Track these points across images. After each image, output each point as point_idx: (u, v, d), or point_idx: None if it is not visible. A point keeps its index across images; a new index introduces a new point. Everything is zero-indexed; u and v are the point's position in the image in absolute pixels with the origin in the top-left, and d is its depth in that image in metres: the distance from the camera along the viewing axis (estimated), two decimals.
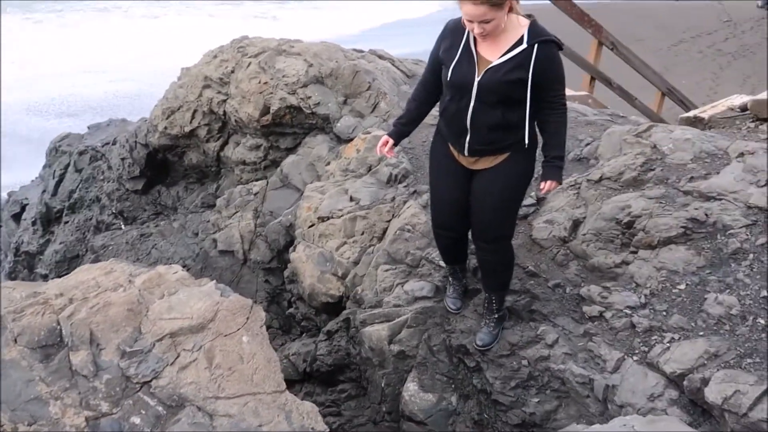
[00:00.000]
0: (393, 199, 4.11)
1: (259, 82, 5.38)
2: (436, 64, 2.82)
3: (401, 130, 3.03)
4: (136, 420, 2.31)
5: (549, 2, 6.45)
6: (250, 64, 5.51)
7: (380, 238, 3.95)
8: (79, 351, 2.41)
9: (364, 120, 5.15)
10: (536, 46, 2.58)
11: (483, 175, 2.87)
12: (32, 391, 2.26)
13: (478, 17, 2.49)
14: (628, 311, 3.11)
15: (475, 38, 2.64)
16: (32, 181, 8.21)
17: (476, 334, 3.22)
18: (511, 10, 2.56)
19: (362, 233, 4.00)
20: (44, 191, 7.21)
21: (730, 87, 12.07)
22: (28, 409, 2.20)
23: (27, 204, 7.63)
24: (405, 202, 4.04)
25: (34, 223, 7.12)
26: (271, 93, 5.31)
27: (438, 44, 2.81)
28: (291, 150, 5.45)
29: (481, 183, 2.88)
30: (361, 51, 6.19)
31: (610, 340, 3.05)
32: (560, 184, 2.90)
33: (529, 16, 2.65)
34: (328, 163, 4.87)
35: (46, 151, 7.84)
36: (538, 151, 2.92)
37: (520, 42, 2.60)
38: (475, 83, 2.64)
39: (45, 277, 6.36)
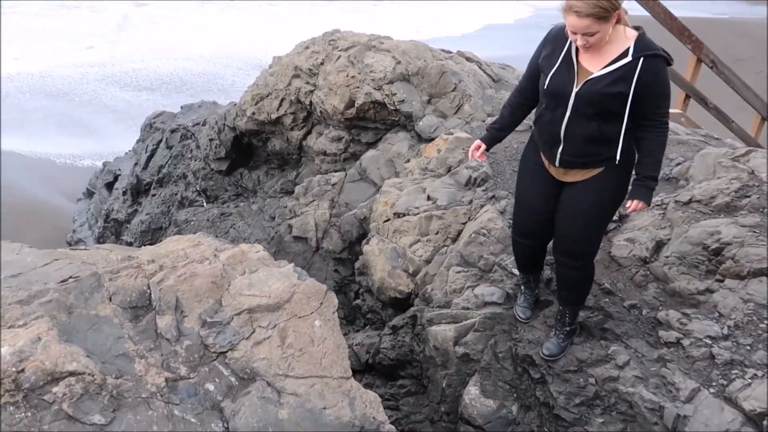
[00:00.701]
0: (470, 201, 4.10)
1: (347, 76, 5.49)
2: (535, 71, 2.76)
3: (494, 135, 3.00)
4: (210, 387, 2.44)
5: (647, 14, 6.22)
6: (339, 57, 5.63)
7: (454, 240, 3.96)
8: (165, 315, 2.56)
9: (446, 120, 5.16)
10: (642, 59, 2.47)
11: (573, 188, 2.80)
12: (121, 347, 2.42)
13: (582, 29, 2.42)
14: (708, 341, 2.97)
15: (577, 47, 2.57)
16: (126, 153, 8.75)
17: (543, 343, 3.17)
18: (618, 21, 2.47)
19: (437, 233, 4.01)
20: (136, 164, 7.67)
21: None
22: (116, 364, 2.36)
23: (119, 174, 8.14)
24: (482, 206, 4.02)
25: (124, 193, 7.59)
26: (358, 87, 5.41)
27: (538, 51, 2.75)
28: (371, 144, 5.54)
29: (570, 196, 2.81)
30: (449, 52, 6.19)
31: (686, 368, 2.92)
32: (648, 205, 2.77)
33: (637, 28, 2.55)
34: (408, 161, 4.91)
35: (141, 126, 8.33)
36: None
37: (624, 54, 2.50)
38: (573, 93, 2.57)
39: (130, 245, 6.76)
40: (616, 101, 2.53)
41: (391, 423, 3.60)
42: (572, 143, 2.67)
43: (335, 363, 2.61)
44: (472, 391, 3.25)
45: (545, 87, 2.65)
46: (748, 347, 2.87)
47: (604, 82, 2.51)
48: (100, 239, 7.40)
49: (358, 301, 4.52)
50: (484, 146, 2.99)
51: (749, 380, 2.72)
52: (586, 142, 2.64)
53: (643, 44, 2.50)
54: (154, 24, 18.51)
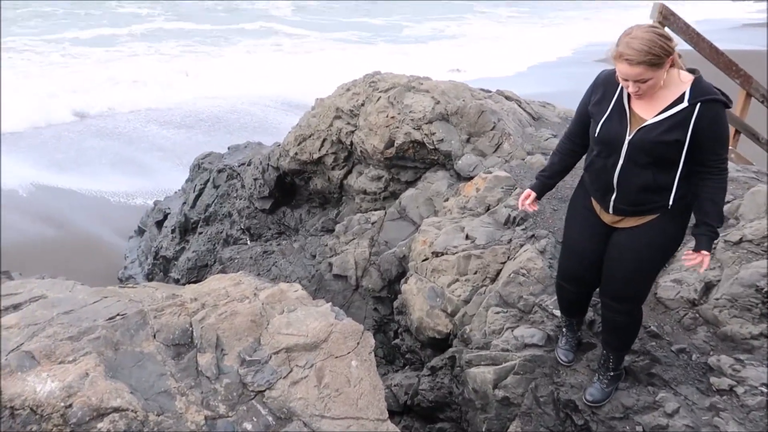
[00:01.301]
0: (509, 241, 4.07)
1: (387, 116, 5.60)
2: (585, 116, 2.70)
3: (545, 183, 2.96)
4: (248, 426, 2.46)
5: (691, 49, 6.14)
6: (379, 98, 5.76)
7: (493, 280, 3.92)
8: (206, 353, 2.62)
9: (485, 159, 5.17)
10: (699, 105, 2.38)
11: (625, 232, 2.71)
12: (163, 384, 2.48)
13: (634, 77, 2.35)
14: (764, 389, 2.82)
15: (629, 93, 2.49)
16: (175, 193, 9.07)
17: (587, 388, 3.07)
18: (673, 65, 2.38)
19: (475, 272, 3.98)
20: (184, 203, 7.94)
21: None
22: (158, 401, 2.42)
23: (169, 213, 8.43)
24: (521, 246, 3.98)
25: (173, 231, 7.84)
26: (397, 127, 5.50)
27: (588, 96, 2.69)
28: (411, 183, 5.59)
29: (622, 240, 2.72)
30: (489, 91, 6.25)
31: (740, 418, 2.77)
32: (709, 254, 2.62)
33: (693, 71, 2.46)
34: (447, 200, 4.93)
35: (190, 166, 8.65)
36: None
37: (680, 100, 2.41)
38: (626, 142, 2.50)
39: (177, 281, 6.96)
40: (672, 149, 2.44)
41: None
42: (626, 191, 2.59)
43: (371, 404, 2.60)
44: None
45: (596, 135, 2.58)
46: None
47: (658, 130, 2.43)
48: (149, 276, 7.63)
49: (397, 341, 4.50)
50: (534, 195, 2.94)
51: None
52: (640, 190, 2.56)
53: (699, 89, 2.40)
54: (207, 69, 19.44)
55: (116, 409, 2.27)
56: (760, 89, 6.48)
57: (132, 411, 2.29)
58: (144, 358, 2.56)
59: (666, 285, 3.51)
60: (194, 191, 7.77)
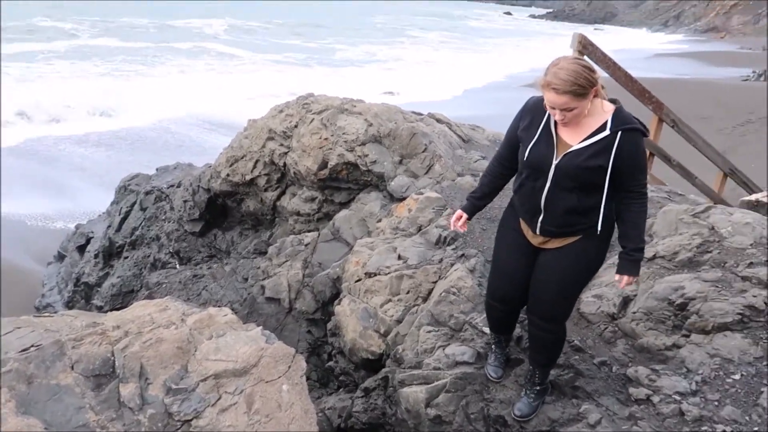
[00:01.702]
0: (441, 260, 4.15)
1: (320, 138, 5.62)
2: (514, 140, 2.79)
3: (475, 204, 3.03)
4: None
5: (608, 76, 6.52)
6: (313, 120, 5.77)
7: (425, 299, 3.97)
8: (129, 383, 2.51)
9: (417, 180, 5.27)
10: (620, 133, 2.52)
11: (551, 253, 2.81)
12: (81, 418, 2.36)
13: (561, 105, 2.46)
14: (677, 397, 2.98)
15: (556, 120, 2.60)
16: (99, 215, 8.69)
17: (515, 404, 3.15)
18: (596, 95, 2.51)
19: (408, 292, 4.03)
20: (109, 226, 7.62)
21: None
22: None
23: (92, 237, 8.05)
24: (452, 265, 4.06)
25: (96, 256, 7.49)
26: (330, 149, 5.52)
27: (517, 121, 2.78)
28: (344, 204, 5.61)
29: (548, 261, 2.82)
30: (420, 114, 6.39)
31: (656, 426, 2.92)
32: (637, 276, 2.78)
33: (614, 101, 2.60)
34: (380, 220, 4.98)
35: (116, 188, 8.32)
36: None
37: (603, 128, 2.54)
38: (553, 166, 2.60)
39: (100, 309, 6.63)
40: (596, 174, 2.56)
41: None
42: (552, 214, 2.69)
43: (303, 428, 2.57)
44: None
45: (525, 159, 2.68)
46: (716, 403, 2.89)
47: (583, 156, 2.55)
48: (70, 304, 7.24)
49: (331, 363, 4.46)
50: (465, 216, 3.01)
51: None
52: (566, 213, 2.66)
53: (620, 118, 2.55)
54: (126, 83, 18.89)
55: None
56: (670, 115, 6.94)
57: None
58: (60, 391, 2.43)
59: (588, 300, 3.67)
60: (120, 214, 7.48)
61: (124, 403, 2.46)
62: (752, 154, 13.63)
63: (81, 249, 8.07)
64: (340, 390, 4.33)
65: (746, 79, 26.02)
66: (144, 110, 16.03)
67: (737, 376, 2.95)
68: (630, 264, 2.72)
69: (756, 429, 2.69)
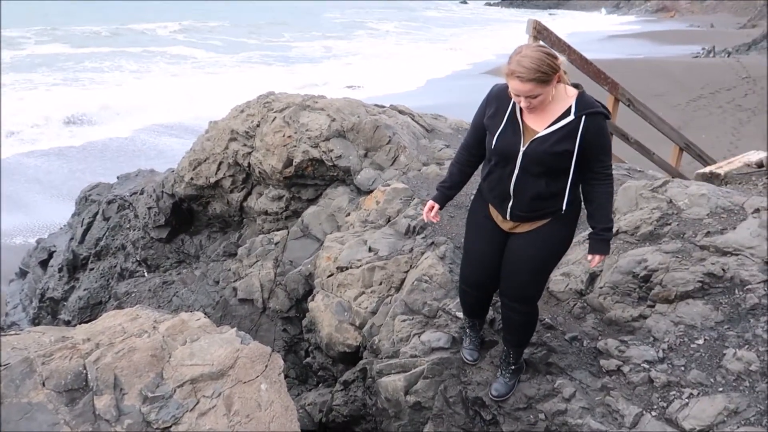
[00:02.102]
0: (411, 250, 4.18)
1: (283, 136, 5.58)
2: (480, 129, 2.82)
3: (445, 194, 3.06)
4: None
5: (565, 60, 6.63)
6: (275, 118, 5.73)
7: (398, 289, 4.00)
8: (103, 395, 2.47)
9: (383, 173, 5.29)
10: (584, 117, 2.57)
11: (521, 237, 2.86)
12: None
13: (525, 93, 2.49)
14: (646, 366, 3.09)
15: (521, 107, 2.63)
16: (61, 228, 8.47)
17: (492, 384, 3.21)
18: (559, 80, 2.55)
19: (380, 283, 4.05)
20: (72, 238, 7.43)
21: (750, 142, 12.11)
22: None
23: (54, 251, 7.85)
24: (423, 253, 4.10)
25: (60, 270, 7.31)
26: (295, 146, 5.50)
27: (482, 110, 2.81)
28: (312, 201, 5.59)
29: (518, 244, 2.87)
30: (382, 106, 6.40)
31: (628, 394, 3.02)
32: (607, 255, 2.87)
33: (577, 86, 2.65)
34: (348, 214, 4.98)
35: (76, 199, 8.13)
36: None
37: (567, 113, 2.58)
38: (520, 153, 2.64)
39: (68, 323, 6.48)
40: (563, 159, 2.62)
41: None
42: (521, 199, 2.74)
43: (284, 426, 2.57)
44: None
45: (492, 147, 2.71)
46: (683, 368, 3.00)
47: (549, 141, 2.59)
48: (35, 320, 7.06)
49: (308, 359, 4.47)
50: (437, 206, 3.03)
51: (686, 400, 2.83)
52: (534, 197, 2.71)
53: (583, 102, 2.60)
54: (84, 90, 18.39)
55: None
56: (626, 94, 7.11)
57: None
58: (33, 409, 2.38)
59: (556, 279, 3.75)
60: (82, 225, 7.31)
61: (100, 416, 2.43)
62: (706, 127, 14.07)
63: (44, 264, 7.86)
64: (320, 385, 4.34)
65: (696, 56, 26.81)
66: (98, 118, 15.64)
67: (701, 341, 3.07)
68: (600, 243, 2.79)
69: (721, 390, 2.80)
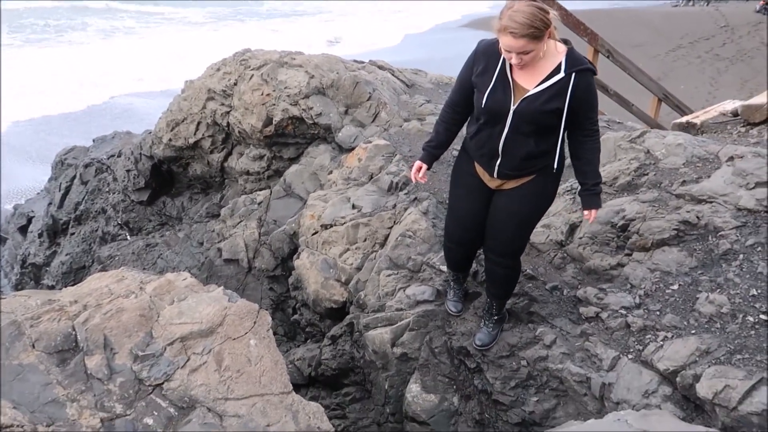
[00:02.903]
0: (394, 206, 4.21)
1: (262, 94, 5.50)
2: (467, 86, 2.76)
3: (432, 154, 3.02)
4: (149, 421, 2.40)
5: (555, 14, 6.55)
6: (252, 76, 5.63)
7: (382, 244, 4.05)
8: (94, 355, 2.50)
9: (365, 129, 5.27)
10: (574, 75, 2.54)
11: (507, 194, 2.87)
12: (50, 393, 2.35)
13: (518, 49, 2.44)
14: (623, 311, 3.20)
15: (511, 64, 2.57)
16: (38, 193, 8.34)
17: (475, 334, 3.31)
18: (549, 36, 2.50)
19: (364, 240, 4.09)
20: (50, 204, 7.34)
21: (728, 91, 12.22)
22: (46, 411, 2.29)
23: (33, 216, 7.76)
24: (406, 209, 4.14)
25: (40, 236, 7.24)
26: (274, 104, 5.43)
27: (469, 67, 2.74)
28: (294, 160, 5.56)
29: (504, 201, 2.89)
30: (362, 62, 6.32)
31: (606, 339, 3.13)
32: (600, 207, 2.90)
33: (566, 42, 2.61)
34: (331, 172, 4.98)
35: (52, 164, 7.98)
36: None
37: (557, 70, 2.55)
38: (511, 111, 2.60)
39: (51, 288, 6.47)
40: (553, 117, 2.60)
41: (340, 431, 3.65)
42: (510, 158, 2.73)
43: (274, 379, 2.63)
44: (413, 389, 3.34)
45: (482, 105, 2.66)
46: (658, 312, 3.11)
47: (540, 99, 2.56)
48: (18, 286, 7.03)
49: (296, 317, 4.54)
50: (425, 166, 3.00)
51: (661, 342, 2.95)
52: (524, 157, 2.71)
53: (573, 59, 2.56)
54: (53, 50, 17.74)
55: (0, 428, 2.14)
56: (605, 45, 7.08)
57: (18, 426, 2.16)
58: (24, 370, 2.40)
59: (537, 231, 3.82)
60: (60, 190, 7.20)
61: (91, 375, 2.46)
62: (684, 77, 14.13)
63: (23, 230, 7.77)
64: (308, 341, 4.42)
65: (676, 5, 26.63)
66: (64, 80, 15.13)
67: (675, 287, 3.17)
68: (593, 198, 2.82)
69: (693, 332, 2.92)
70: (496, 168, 2.79)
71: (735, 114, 5.41)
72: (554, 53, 2.57)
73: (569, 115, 2.61)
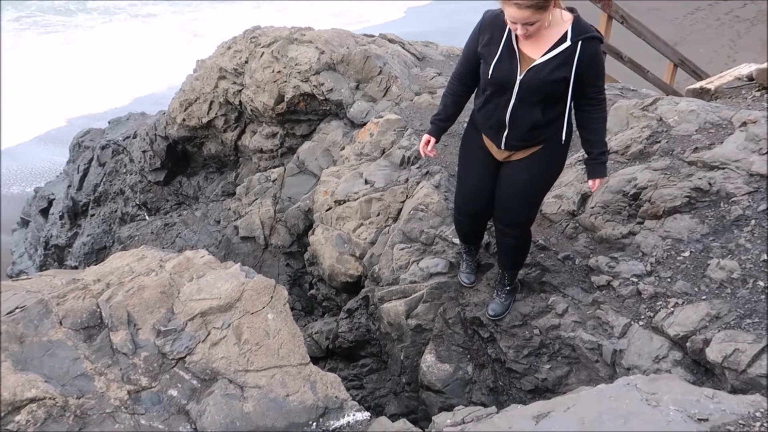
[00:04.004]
0: (406, 180, 4.25)
1: (273, 71, 5.52)
2: (473, 58, 2.75)
3: (441, 127, 3.03)
4: (174, 393, 2.51)
5: None
6: (263, 53, 5.65)
7: (395, 219, 4.10)
8: (119, 331, 2.61)
9: (376, 104, 5.28)
10: (580, 43, 2.52)
11: (515, 165, 2.89)
12: (78, 368, 2.46)
13: (523, 20, 2.43)
14: (634, 279, 3.23)
15: (517, 34, 2.56)
16: (57, 176, 8.50)
17: (488, 305, 3.36)
18: (555, 5, 2.48)
19: (378, 214, 4.15)
20: (69, 186, 7.48)
21: (748, 54, 11.90)
22: (76, 384, 2.41)
23: (54, 199, 7.92)
24: (418, 183, 4.17)
25: (61, 217, 7.40)
26: (285, 81, 5.45)
27: (475, 38, 2.73)
28: (306, 137, 5.60)
29: (513, 173, 2.90)
30: (372, 36, 6.28)
31: (617, 307, 3.17)
32: (606, 177, 2.91)
33: (571, 10, 2.58)
34: (343, 148, 5.01)
35: (69, 146, 8.11)
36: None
37: (563, 39, 2.53)
38: (517, 82, 2.60)
39: (75, 269, 6.64)
40: (560, 86, 2.59)
41: (357, 401, 3.75)
42: (517, 129, 2.74)
43: (292, 351, 2.72)
44: (428, 359, 3.42)
45: (489, 76, 2.66)
46: (669, 279, 3.13)
47: (547, 69, 2.55)
48: (43, 267, 7.22)
49: (312, 291, 4.63)
50: (433, 140, 3.01)
51: (672, 309, 2.98)
52: (531, 127, 2.71)
53: (579, 27, 2.54)
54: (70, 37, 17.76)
55: (32, 400, 2.25)
56: (619, 11, 6.95)
57: (50, 398, 2.28)
58: (54, 346, 2.51)
59: (549, 201, 3.84)
60: (78, 172, 7.34)
61: (117, 350, 2.57)
62: (703, 41, 13.80)
63: (44, 212, 7.95)
64: (325, 315, 4.52)
65: None
66: (73, 61, 15.14)
67: (687, 254, 3.19)
68: (599, 167, 2.83)
69: (704, 298, 2.95)
70: (504, 139, 2.80)
71: (750, 78, 5.32)
72: (560, 22, 2.56)
73: (575, 83, 2.61)
